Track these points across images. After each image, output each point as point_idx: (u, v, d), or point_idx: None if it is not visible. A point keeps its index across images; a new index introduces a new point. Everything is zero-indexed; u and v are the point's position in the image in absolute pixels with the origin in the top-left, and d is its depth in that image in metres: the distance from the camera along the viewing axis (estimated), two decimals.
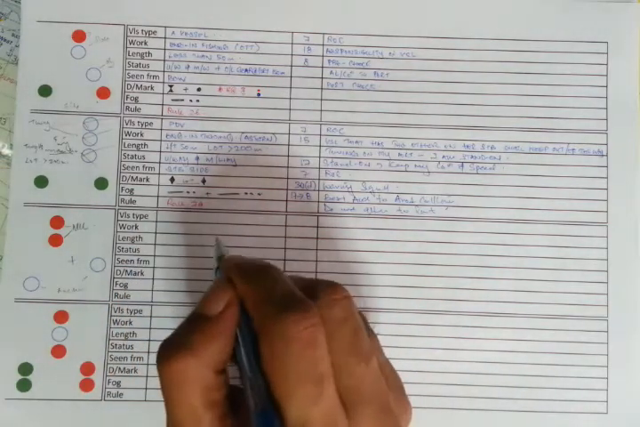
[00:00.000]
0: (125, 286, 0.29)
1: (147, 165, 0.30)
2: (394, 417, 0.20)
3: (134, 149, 0.30)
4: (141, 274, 0.29)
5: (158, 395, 0.29)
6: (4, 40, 0.31)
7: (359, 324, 0.21)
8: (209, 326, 0.20)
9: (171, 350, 0.20)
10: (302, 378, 0.18)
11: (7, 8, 0.31)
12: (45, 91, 0.30)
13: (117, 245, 0.30)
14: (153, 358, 0.29)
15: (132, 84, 0.30)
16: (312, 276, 0.30)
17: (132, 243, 0.30)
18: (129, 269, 0.29)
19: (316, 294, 0.21)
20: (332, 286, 0.21)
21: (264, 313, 0.20)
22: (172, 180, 0.30)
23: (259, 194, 0.30)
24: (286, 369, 0.19)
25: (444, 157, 0.30)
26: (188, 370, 0.19)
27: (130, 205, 0.30)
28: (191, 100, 0.30)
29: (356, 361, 0.20)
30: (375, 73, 0.31)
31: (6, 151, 0.30)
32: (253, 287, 0.21)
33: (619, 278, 0.30)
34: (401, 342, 0.29)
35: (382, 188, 0.30)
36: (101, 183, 0.30)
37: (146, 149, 0.30)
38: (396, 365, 0.29)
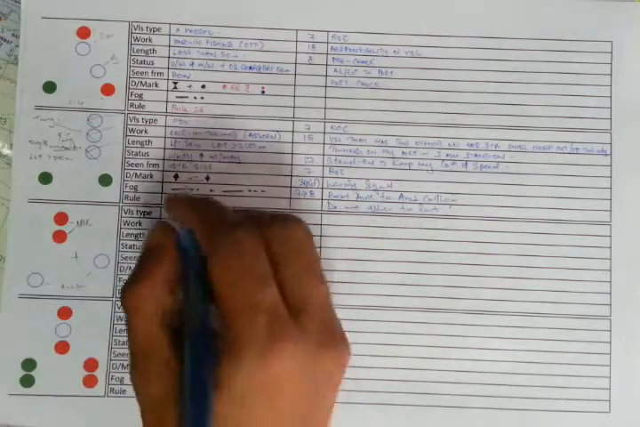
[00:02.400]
0: None
1: (151, 161, 0.30)
2: (338, 334, 0.22)
3: (138, 145, 0.30)
4: None
5: None
6: (4, 40, 0.31)
7: (316, 254, 0.24)
8: (152, 255, 0.23)
9: (127, 286, 0.23)
10: (243, 276, 0.21)
11: (7, 8, 0.31)
12: (50, 87, 0.30)
13: (121, 242, 0.30)
14: None
15: (137, 80, 0.30)
16: None
17: (136, 239, 0.30)
18: (132, 266, 0.29)
19: (273, 217, 0.24)
20: (295, 218, 0.24)
21: (206, 231, 0.22)
22: (176, 176, 0.30)
23: (262, 191, 0.30)
24: (230, 272, 0.21)
25: (447, 155, 0.30)
26: (144, 292, 0.22)
27: (134, 201, 0.30)
28: (195, 98, 0.30)
29: (309, 278, 0.22)
30: (379, 71, 0.31)
31: (6, 151, 0.30)
32: (197, 215, 0.24)
33: (622, 278, 0.30)
34: (404, 340, 0.29)
35: (386, 186, 0.30)
36: (105, 180, 0.30)
37: (150, 145, 0.30)
38: (400, 362, 0.29)
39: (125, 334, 0.29)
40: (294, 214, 0.25)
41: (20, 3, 0.31)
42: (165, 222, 0.25)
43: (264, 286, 0.21)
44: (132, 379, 0.22)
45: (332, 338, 0.22)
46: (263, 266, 0.21)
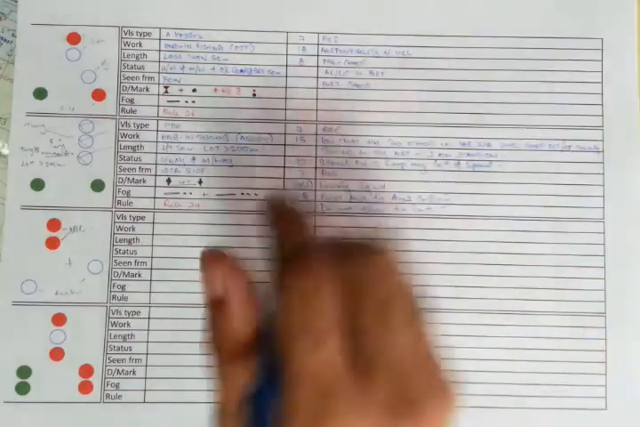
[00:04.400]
0: (123, 287, 0.29)
1: (143, 166, 0.30)
2: (418, 398, 0.18)
3: (130, 150, 0.30)
4: (139, 276, 0.29)
5: (157, 397, 0.29)
6: (4, 40, 0.31)
7: (395, 292, 0.19)
8: (219, 311, 0.21)
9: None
10: (301, 328, 0.18)
11: (7, 8, 0.31)
12: (41, 93, 0.30)
13: (114, 247, 0.30)
14: (151, 360, 0.29)
15: (128, 85, 0.30)
16: None
17: (130, 245, 0.30)
18: (126, 271, 0.29)
19: (356, 253, 0.20)
20: (375, 248, 0.20)
21: (277, 264, 0.20)
22: (169, 181, 0.30)
23: (255, 194, 0.30)
24: (286, 320, 0.18)
25: (440, 155, 0.30)
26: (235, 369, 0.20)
27: (126, 206, 0.30)
28: (187, 101, 0.30)
29: (382, 330, 0.18)
30: (370, 72, 0.31)
31: (6, 151, 0.30)
32: (282, 232, 0.22)
33: (616, 275, 0.30)
34: None
35: (379, 186, 0.30)
36: (98, 185, 0.30)
37: (142, 150, 0.30)
38: None
39: (120, 339, 0.29)
40: (380, 242, 0.22)
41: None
42: (216, 254, 0.22)
43: (318, 345, 0.18)
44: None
45: (406, 403, 0.17)
46: (324, 318, 0.18)
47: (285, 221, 0.23)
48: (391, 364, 0.18)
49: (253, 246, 0.30)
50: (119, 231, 0.30)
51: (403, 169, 0.30)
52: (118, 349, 0.29)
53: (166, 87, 0.31)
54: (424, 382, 0.18)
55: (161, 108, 0.30)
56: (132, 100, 0.30)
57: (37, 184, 0.30)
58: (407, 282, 0.20)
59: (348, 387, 0.17)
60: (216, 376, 0.20)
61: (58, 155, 0.30)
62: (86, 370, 0.29)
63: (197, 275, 0.29)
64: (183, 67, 0.31)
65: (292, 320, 0.18)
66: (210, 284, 0.21)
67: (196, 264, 0.29)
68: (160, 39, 0.31)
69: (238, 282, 0.21)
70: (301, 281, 0.19)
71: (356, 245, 0.21)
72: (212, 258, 0.22)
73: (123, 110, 0.30)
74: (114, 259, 0.30)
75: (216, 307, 0.21)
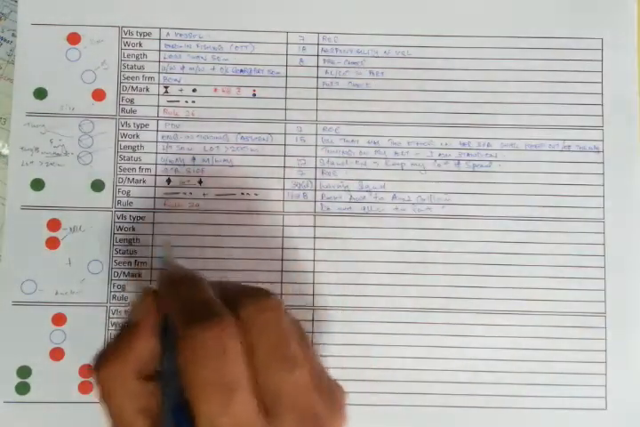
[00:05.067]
0: (123, 287, 0.29)
1: (143, 166, 0.30)
2: (322, 420, 0.20)
3: (130, 150, 0.30)
4: (139, 276, 0.29)
5: None
6: (4, 40, 0.31)
7: (285, 333, 0.21)
8: (127, 333, 0.22)
9: (97, 360, 0.21)
10: (210, 387, 0.19)
11: (7, 8, 0.31)
12: (41, 93, 0.30)
13: (114, 247, 0.30)
14: None
15: (128, 85, 0.30)
16: (309, 276, 0.30)
17: (130, 245, 0.30)
18: (126, 271, 0.29)
19: (241, 301, 0.21)
20: (260, 294, 0.22)
21: (180, 323, 0.20)
22: (169, 181, 0.30)
23: (255, 194, 0.30)
24: (194, 378, 0.19)
25: (440, 154, 0.30)
26: (114, 376, 0.21)
27: (126, 206, 0.30)
28: (187, 101, 0.30)
29: (277, 369, 0.20)
30: (370, 72, 0.31)
31: (6, 151, 0.30)
32: (173, 297, 0.22)
33: (616, 274, 0.30)
34: (400, 341, 0.29)
35: (379, 186, 0.30)
36: (98, 185, 0.30)
37: (142, 150, 0.30)
38: (394, 363, 0.29)
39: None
40: (260, 288, 0.22)
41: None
42: (153, 295, 0.23)
43: (229, 399, 0.19)
44: None
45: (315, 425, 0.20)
46: (232, 369, 0.19)
47: (175, 286, 0.23)
48: (296, 400, 0.20)
49: (253, 247, 0.30)
50: (119, 231, 0.30)
51: (403, 169, 0.30)
52: None
53: (166, 87, 0.31)
54: (326, 408, 0.20)
55: (161, 108, 0.30)
56: (132, 100, 0.30)
57: (37, 184, 0.30)
58: (294, 319, 0.22)
59: None
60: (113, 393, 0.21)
61: (58, 155, 0.30)
62: (86, 370, 0.29)
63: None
64: (183, 67, 0.31)
65: (199, 377, 0.19)
66: (135, 308, 0.22)
67: (195, 264, 0.30)
68: (160, 39, 0.31)
69: (152, 320, 0.22)
70: (204, 334, 0.19)
71: (242, 290, 0.23)
72: (166, 287, 0.23)
73: (123, 110, 0.30)
74: (114, 259, 0.30)
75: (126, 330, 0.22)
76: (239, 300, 0.21)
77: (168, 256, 0.26)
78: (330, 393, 0.22)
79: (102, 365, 0.21)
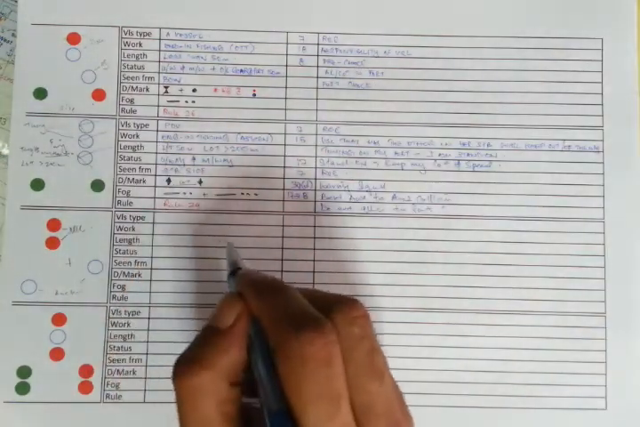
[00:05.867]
0: (123, 287, 0.29)
1: (143, 166, 0.30)
2: None
3: (130, 150, 0.30)
4: (139, 276, 0.29)
5: (157, 397, 0.29)
6: (4, 40, 0.31)
7: (375, 342, 0.21)
8: (220, 339, 0.21)
9: (184, 365, 0.20)
10: (318, 396, 0.19)
11: (7, 8, 0.31)
12: (41, 93, 0.30)
13: (114, 247, 0.30)
14: (151, 360, 0.29)
15: (128, 85, 0.30)
16: (310, 276, 0.30)
17: (130, 245, 0.30)
18: (126, 271, 0.29)
19: (333, 310, 0.21)
20: (351, 303, 0.21)
21: (279, 331, 0.20)
22: (169, 181, 0.30)
23: (255, 194, 0.30)
24: (303, 388, 0.19)
25: (440, 155, 0.30)
26: (203, 383, 0.20)
27: (126, 206, 0.30)
28: (187, 101, 0.30)
29: (371, 379, 0.20)
30: (370, 72, 0.31)
31: (6, 151, 0.30)
32: (268, 305, 0.21)
33: (616, 275, 0.30)
34: (400, 341, 0.29)
35: (379, 186, 0.30)
36: (98, 185, 0.30)
37: (142, 150, 0.30)
38: (395, 363, 0.29)
39: (120, 339, 0.29)
40: (350, 297, 0.22)
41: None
42: (237, 298, 0.22)
43: (336, 409, 0.19)
44: None
45: None
46: (339, 380, 0.19)
47: (268, 292, 0.22)
48: (383, 411, 0.20)
49: (253, 247, 0.30)
50: (119, 231, 0.30)
51: (402, 169, 0.30)
52: (118, 349, 0.29)
53: (166, 87, 0.31)
54: (404, 416, 0.21)
55: (161, 108, 0.30)
56: (132, 100, 0.30)
57: (37, 184, 0.30)
58: (374, 331, 0.22)
59: None
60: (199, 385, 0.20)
61: (58, 155, 0.30)
62: (86, 370, 0.29)
63: (197, 275, 0.30)
64: (183, 67, 0.31)
65: (308, 387, 0.19)
66: (223, 311, 0.22)
67: (196, 264, 0.30)
68: (160, 39, 0.31)
69: (244, 326, 0.21)
70: (315, 348, 0.19)
71: (333, 299, 0.22)
72: (258, 295, 0.22)
73: (123, 110, 0.30)
74: (114, 259, 0.30)
75: (214, 335, 0.21)
76: (332, 308, 0.21)
77: (237, 259, 0.26)
78: (403, 402, 0.22)
79: (189, 369, 0.20)
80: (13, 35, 0.31)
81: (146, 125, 0.30)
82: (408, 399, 0.29)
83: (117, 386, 0.29)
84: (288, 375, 0.19)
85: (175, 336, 0.29)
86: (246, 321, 0.21)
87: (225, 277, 0.26)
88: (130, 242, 0.30)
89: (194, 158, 0.30)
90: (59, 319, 0.29)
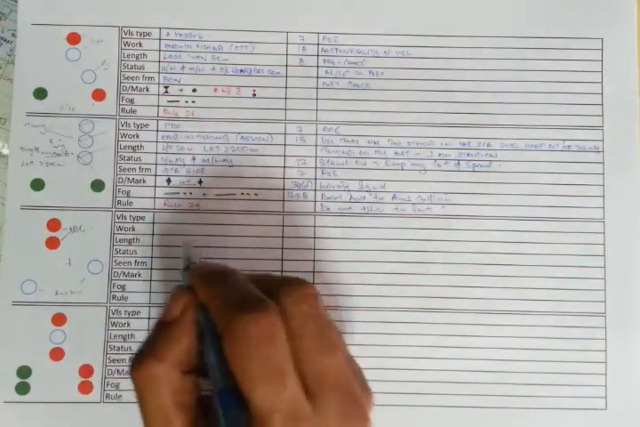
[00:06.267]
0: (123, 287, 0.29)
1: (143, 166, 0.30)
2: (360, 404, 0.21)
3: (130, 150, 0.30)
4: (139, 275, 0.29)
5: None
6: (4, 40, 0.31)
7: (325, 320, 0.22)
8: (169, 331, 0.22)
9: (138, 358, 0.21)
10: (263, 374, 0.20)
11: (7, 8, 0.31)
12: (41, 93, 0.30)
13: (114, 247, 0.30)
14: None
15: (128, 85, 0.30)
16: (310, 276, 0.30)
17: (130, 245, 0.30)
18: (126, 271, 0.29)
19: (282, 290, 0.22)
20: (300, 284, 0.22)
21: (224, 315, 0.21)
22: (169, 181, 0.30)
23: (255, 194, 0.30)
24: (248, 366, 0.20)
25: (440, 155, 0.30)
26: (156, 374, 0.21)
27: (126, 206, 0.30)
28: (187, 101, 0.30)
29: (321, 353, 0.21)
30: (370, 72, 0.31)
31: (6, 151, 0.30)
32: (214, 292, 0.22)
33: (616, 275, 0.30)
34: (400, 341, 0.29)
35: (379, 186, 0.30)
36: (98, 185, 0.30)
37: (142, 150, 0.30)
38: (395, 363, 0.29)
39: (120, 339, 0.29)
40: (298, 278, 0.23)
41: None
42: (185, 290, 0.23)
43: (282, 384, 0.20)
44: None
45: (355, 413, 0.21)
46: (282, 355, 0.20)
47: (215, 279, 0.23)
48: (338, 382, 0.21)
49: (253, 247, 0.30)
50: (119, 231, 0.30)
51: (402, 169, 0.30)
52: (118, 349, 0.29)
53: (166, 87, 0.31)
54: (362, 390, 0.22)
55: (161, 108, 0.30)
56: (132, 100, 0.30)
57: (37, 184, 0.30)
58: (327, 310, 0.23)
59: (308, 411, 0.20)
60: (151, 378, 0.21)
61: (58, 155, 0.30)
62: (86, 370, 0.29)
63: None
64: (183, 67, 0.31)
65: (252, 365, 0.20)
66: (171, 305, 0.23)
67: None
68: (160, 39, 0.31)
69: (191, 316, 0.22)
70: (258, 327, 0.20)
71: (280, 281, 0.24)
72: (204, 283, 0.23)
73: (123, 110, 0.30)
74: (114, 259, 0.30)
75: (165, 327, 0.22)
76: (279, 289, 0.22)
77: (192, 255, 0.26)
78: (361, 376, 0.23)
79: (143, 362, 0.21)
80: (13, 35, 0.31)
81: (146, 125, 0.30)
82: (408, 399, 0.30)
83: (117, 386, 0.29)
84: (233, 356, 0.20)
85: None
86: (193, 311, 0.22)
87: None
88: (130, 242, 0.30)
89: (194, 158, 0.30)
90: (59, 319, 0.29)
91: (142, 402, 0.21)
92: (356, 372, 0.23)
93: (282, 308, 0.21)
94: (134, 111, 0.30)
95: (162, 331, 0.22)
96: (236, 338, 0.20)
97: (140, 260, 0.30)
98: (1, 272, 0.29)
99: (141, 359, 0.21)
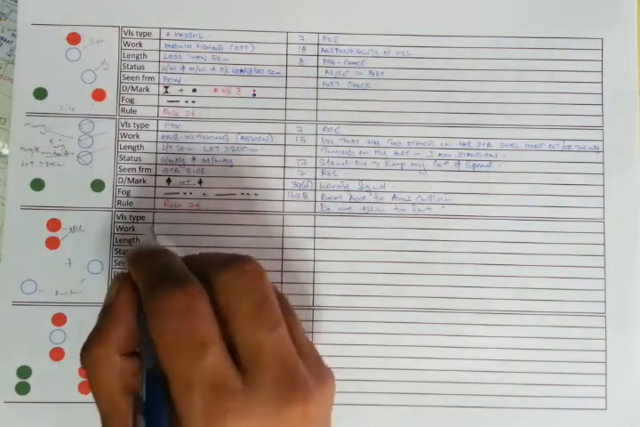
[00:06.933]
0: None
1: (143, 166, 0.30)
2: (300, 384, 0.20)
3: (130, 150, 0.30)
4: None
5: None
6: (5, 40, 0.31)
7: (265, 295, 0.22)
8: (107, 314, 0.22)
9: (85, 344, 0.22)
10: (178, 345, 0.20)
11: (7, 8, 0.31)
12: (41, 93, 0.30)
13: (115, 247, 0.30)
14: None
15: (128, 85, 0.30)
16: (309, 276, 0.30)
17: (130, 245, 0.30)
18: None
19: (222, 265, 0.22)
20: (241, 259, 0.22)
21: (144, 293, 0.21)
22: (169, 181, 0.30)
23: (255, 194, 0.30)
24: (164, 339, 0.20)
25: (440, 154, 0.30)
26: (98, 357, 0.21)
27: (126, 206, 0.30)
28: (187, 101, 0.30)
29: (258, 329, 0.21)
30: (370, 72, 0.31)
31: (6, 151, 0.30)
32: (139, 271, 0.22)
33: (616, 275, 0.30)
34: (400, 341, 0.29)
35: (379, 186, 0.30)
36: (98, 185, 0.30)
37: (142, 150, 0.30)
38: (394, 362, 0.29)
39: None
40: (240, 254, 0.23)
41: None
42: (124, 275, 0.23)
43: (200, 354, 0.19)
44: None
45: (291, 387, 0.20)
46: (201, 326, 0.20)
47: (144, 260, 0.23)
48: (272, 358, 0.20)
49: (253, 247, 0.30)
50: (119, 231, 0.30)
51: (402, 169, 0.30)
52: None
53: (166, 87, 0.31)
54: (306, 371, 0.21)
55: (161, 108, 0.30)
56: (132, 100, 0.30)
57: (37, 184, 0.30)
58: (273, 285, 0.23)
59: (236, 384, 0.20)
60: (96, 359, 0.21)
61: (58, 155, 0.30)
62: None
63: None
64: (183, 67, 0.31)
65: (167, 336, 0.20)
66: (110, 289, 0.23)
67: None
68: (160, 39, 0.31)
69: (127, 298, 0.22)
70: (172, 301, 0.20)
71: (222, 257, 0.23)
72: (132, 263, 0.23)
73: (123, 110, 0.30)
74: (114, 259, 0.30)
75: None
76: (219, 264, 0.22)
77: (146, 239, 0.27)
78: (315, 362, 0.22)
79: (87, 346, 0.22)
80: (13, 35, 0.31)
81: (146, 125, 0.30)
82: (408, 399, 0.29)
83: None
84: (153, 331, 0.20)
85: None
86: (128, 292, 0.22)
87: None
88: (130, 242, 0.30)
89: (194, 158, 0.30)
90: (59, 319, 0.29)
91: (90, 385, 0.21)
92: (307, 352, 0.22)
93: (218, 282, 0.21)
94: (134, 111, 0.30)
95: (102, 314, 0.23)
96: (153, 314, 0.20)
97: None
98: (1, 272, 0.29)
99: (86, 344, 0.22)
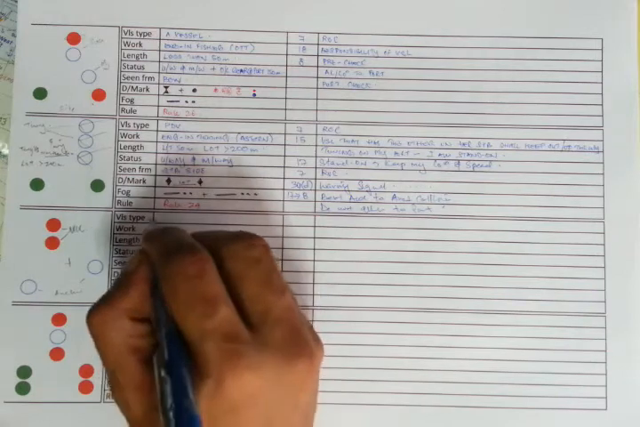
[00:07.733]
0: None
1: (143, 166, 0.30)
2: (305, 341, 0.22)
3: (130, 150, 0.30)
4: None
5: None
6: (4, 40, 0.31)
7: (273, 265, 0.24)
8: (122, 282, 0.24)
9: (93, 307, 0.23)
10: (191, 301, 0.21)
11: (7, 8, 0.31)
12: (40, 93, 0.30)
13: (114, 247, 0.30)
14: None
15: (128, 85, 0.30)
16: (309, 276, 0.30)
17: (130, 245, 0.30)
18: None
19: (233, 239, 0.24)
20: (250, 235, 0.24)
21: (159, 262, 0.23)
22: (169, 181, 0.30)
23: (255, 194, 0.30)
24: (177, 298, 0.21)
25: (440, 155, 0.30)
26: (106, 319, 0.23)
27: (126, 206, 0.30)
28: (187, 101, 0.30)
29: (270, 293, 0.22)
30: (370, 72, 0.31)
31: (6, 151, 0.30)
32: (155, 246, 0.24)
33: (616, 275, 0.30)
34: (399, 341, 0.29)
35: (379, 186, 0.30)
36: (98, 185, 0.30)
37: (142, 150, 0.30)
38: (393, 362, 0.29)
39: None
40: (248, 231, 0.25)
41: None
42: (143, 251, 0.25)
43: (212, 309, 0.21)
44: (113, 397, 0.23)
45: (299, 345, 0.22)
46: (212, 287, 0.22)
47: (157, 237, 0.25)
48: (280, 318, 0.22)
49: None
50: (119, 231, 0.30)
51: (402, 169, 0.30)
52: None
53: (166, 87, 0.31)
54: (308, 333, 0.23)
55: (161, 108, 0.30)
56: (132, 100, 0.30)
57: (37, 184, 0.30)
58: (276, 262, 0.25)
59: (247, 337, 0.21)
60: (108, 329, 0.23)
61: (58, 155, 0.30)
62: (86, 370, 0.29)
63: None
64: (183, 67, 0.31)
65: (182, 295, 0.21)
66: (130, 261, 0.25)
67: None
68: (160, 39, 0.31)
69: (143, 270, 0.24)
70: (184, 266, 0.22)
71: (231, 233, 0.25)
72: (147, 240, 0.25)
73: (123, 110, 0.30)
74: (114, 259, 0.30)
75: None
76: (229, 238, 0.24)
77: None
78: (310, 328, 0.24)
79: (96, 310, 0.23)
80: (13, 35, 0.31)
81: (146, 125, 0.30)
82: (407, 399, 0.29)
83: None
84: (167, 293, 0.22)
85: None
86: (146, 266, 0.24)
87: None
88: (130, 242, 0.30)
89: (194, 158, 0.30)
90: (59, 319, 0.29)
91: (97, 346, 0.23)
92: (305, 322, 0.24)
93: (228, 252, 0.23)
94: (134, 111, 0.30)
95: (116, 283, 0.24)
96: (166, 278, 0.22)
97: None
98: (1, 272, 0.29)
99: (95, 307, 0.23)
